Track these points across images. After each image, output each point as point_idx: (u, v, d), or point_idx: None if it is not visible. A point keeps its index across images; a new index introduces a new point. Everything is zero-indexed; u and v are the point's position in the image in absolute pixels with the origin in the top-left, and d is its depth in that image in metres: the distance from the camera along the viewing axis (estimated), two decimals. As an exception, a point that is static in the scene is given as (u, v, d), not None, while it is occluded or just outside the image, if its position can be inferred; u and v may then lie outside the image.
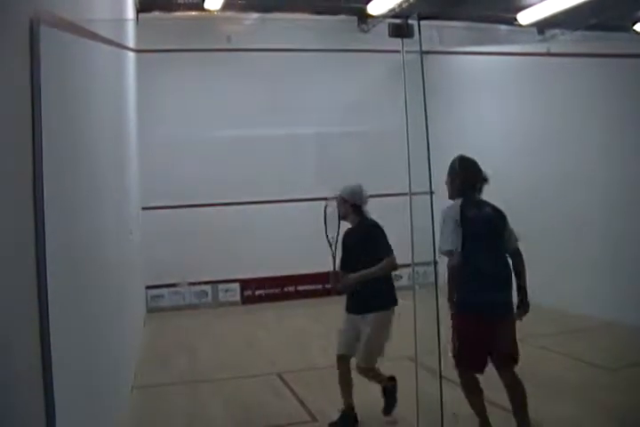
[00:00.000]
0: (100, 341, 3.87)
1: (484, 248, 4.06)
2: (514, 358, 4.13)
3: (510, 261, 4.20)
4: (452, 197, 4.26)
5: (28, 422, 2.08)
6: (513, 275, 4.23)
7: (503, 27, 11.98)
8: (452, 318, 4.13)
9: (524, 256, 4.31)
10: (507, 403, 4.35)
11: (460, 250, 3.96)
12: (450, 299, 4.08)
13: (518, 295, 4.25)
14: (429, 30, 10.43)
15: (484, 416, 4.21)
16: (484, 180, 4.30)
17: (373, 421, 4.98)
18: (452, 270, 4.03)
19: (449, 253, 4.03)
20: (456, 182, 4.24)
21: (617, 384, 5.55)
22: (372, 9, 11.04)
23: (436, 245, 4.02)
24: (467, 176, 4.24)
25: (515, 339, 4.14)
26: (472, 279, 4.02)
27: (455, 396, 5.15)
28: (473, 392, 4.22)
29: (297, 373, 6.58)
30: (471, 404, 4.22)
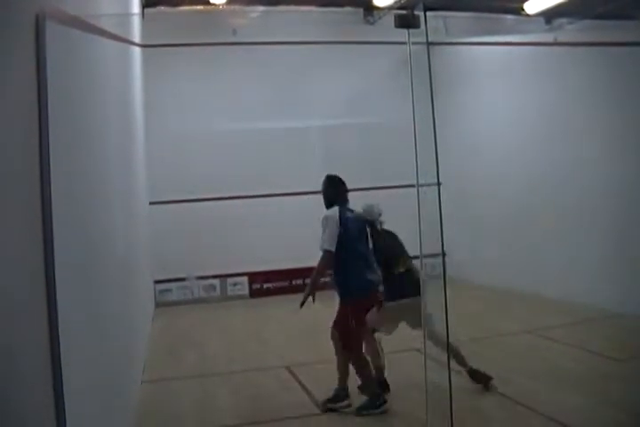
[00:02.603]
0: (108, 335, 3.89)
1: (358, 240, 5.18)
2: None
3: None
4: (328, 206, 5.30)
5: (38, 418, 2.10)
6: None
7: (510, 16, 11.89)
8: (344, 304, 5.09)
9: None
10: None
11: (333, 251, 4.98)
12: (312, 291, 5.00)
13: None
14: (435, 21, 10.38)
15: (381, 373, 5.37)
16: (347, 191, 5.40)
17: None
18: (325, 266, 5.05)
19: (328, 252, 5.00)
20: (329, 195, 5.36)
21: (625, 375, 5.54)
22: (378, 0, 11.00)
23: (320, 243, 5.03)
24: (337, 189, 5.36)
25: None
26: (354, 265, 5.03)
27: (465, 387, 5.18)
28: (366, 364, 5.19)
29: (305, 366, 6.60)
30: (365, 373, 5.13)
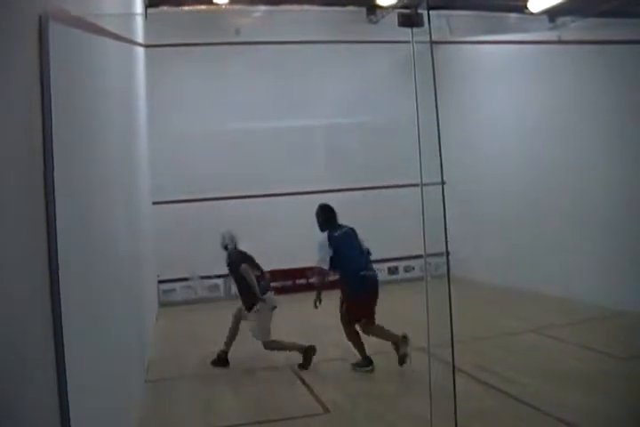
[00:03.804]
0: (111, 335, 3.89)
1: (351, 249, 6.32)
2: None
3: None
4: (321, 230, 6.43)
5: (43, 417, 2.10)
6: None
7: (513, 15, 11.85)
8: (346, 298, 6.27)
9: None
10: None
11: (327, 268, 6.24)
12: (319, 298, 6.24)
13: None
14: (439, 20, 10.35)
15: (362, 347, 6.29)
16: (335, 216, 6.49)
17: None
18: (323, 277, 6.35)
19: (322, 271, 6.29)
20: (320, 222, 6.47)
21: (628, 373, 5.53)
22: (381, -1, 10.97)
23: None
24: (327, 216, 6.48)
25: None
26: (355, 267, 6.21)
27: (468, 387, 5.17)
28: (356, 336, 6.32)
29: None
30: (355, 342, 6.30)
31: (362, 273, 6.22)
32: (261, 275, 6.85)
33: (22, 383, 1.83)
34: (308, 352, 6.49)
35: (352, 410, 5.21)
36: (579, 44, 8.62)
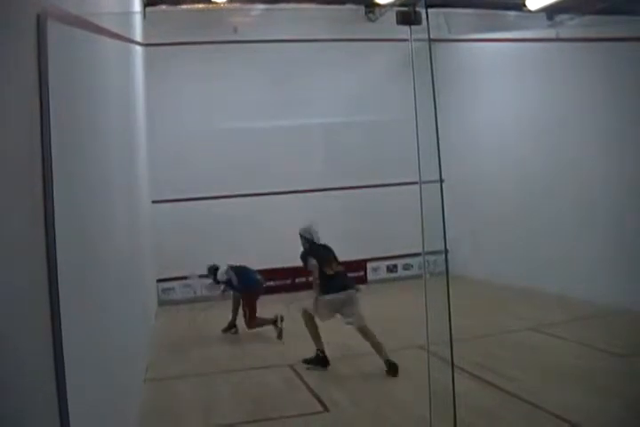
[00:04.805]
0: (110, 334, 3.89)
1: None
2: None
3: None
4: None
5: (41, 417, 2.10)
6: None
7: (512, 13, 11.83)
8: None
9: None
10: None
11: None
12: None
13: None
14: (437, 18, 10.35)
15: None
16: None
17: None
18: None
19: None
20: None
21: (628, 371, 5.54)
22: (379, -3, 10.95)
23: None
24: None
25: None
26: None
27: (467, 383, 5.17)
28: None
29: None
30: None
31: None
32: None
33: (21, 383, 1.83)
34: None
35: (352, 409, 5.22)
36: (577, 42, 8.63)
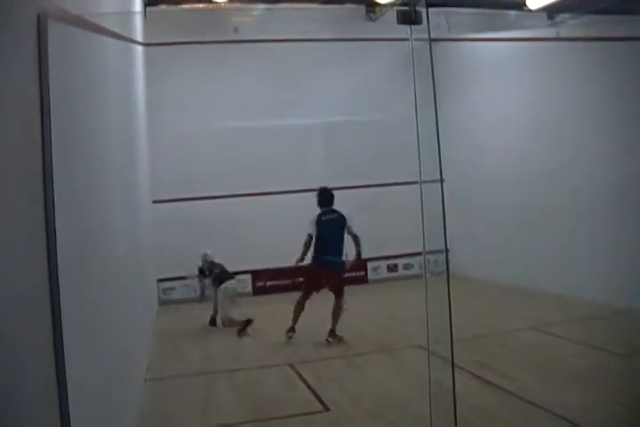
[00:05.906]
0: (110, 334, 3.90)
1: (330, 235, 7.32)
2: (341, 292, 7.43)
3: (352, 239, 7.42)
4: (319, 208, 7.56)
5: (43, 417, 2.10)
6: (350, 247, 7.47)
7: (512, 12, 11.84)
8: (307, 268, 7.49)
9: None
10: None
11: (314, 234, 7.34)
12: (302, 258, 7.43)
13: (355, 255, 7.50)
14: (438, 17, 10.35)
15: (296, 318, 7.53)
16: (328, 197, 7.58)
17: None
18: (308, 241, 7.39)
19: (309, 235, 7.39)
20: (317, 202, 7.52)
21: (628, 371, 5.54)
22: (380, -3, 10.96)
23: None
24: (321, 198, 7.57)
25: (343, 281, 7.56)
26: (321, 249, 7.35)
27: (467, 383, 5.17)
28: (300, 307, 7.54)
29: (309, 363, 6.61)
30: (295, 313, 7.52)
31: (324, 256, 7.29)
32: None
33: (21, 383, 1.83)
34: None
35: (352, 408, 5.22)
36: (577, 41, 8.62)
